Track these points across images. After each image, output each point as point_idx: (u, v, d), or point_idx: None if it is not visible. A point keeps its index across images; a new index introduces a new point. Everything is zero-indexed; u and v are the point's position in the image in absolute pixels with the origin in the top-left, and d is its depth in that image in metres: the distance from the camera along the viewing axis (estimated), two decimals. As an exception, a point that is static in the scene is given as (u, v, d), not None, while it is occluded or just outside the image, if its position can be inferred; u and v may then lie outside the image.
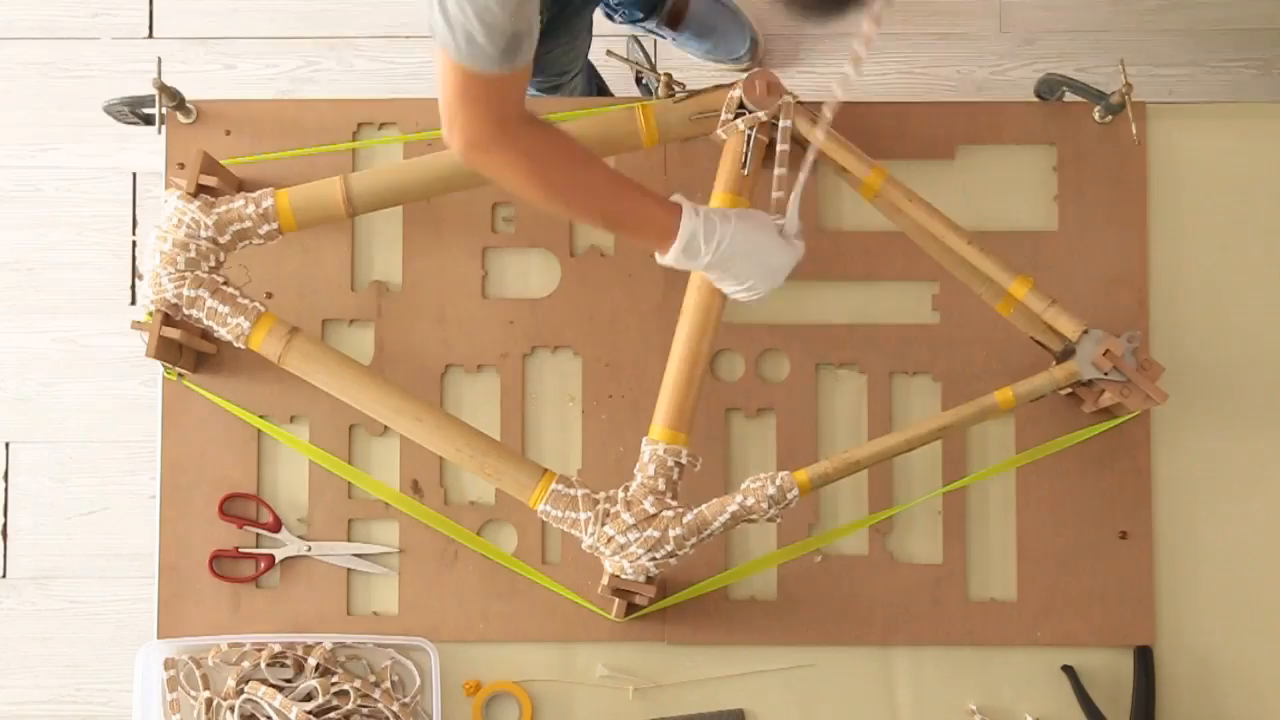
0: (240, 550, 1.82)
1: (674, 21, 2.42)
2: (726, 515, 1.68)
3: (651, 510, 1.68)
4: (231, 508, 1.83)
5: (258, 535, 1.82)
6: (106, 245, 2.37)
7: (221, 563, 1.83)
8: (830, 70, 2.42)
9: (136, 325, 1.73)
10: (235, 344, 1.72)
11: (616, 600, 1.74)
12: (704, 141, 1.80)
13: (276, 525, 1.81)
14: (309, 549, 1.81)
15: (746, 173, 1.74)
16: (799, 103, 1.74)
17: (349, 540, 1.85)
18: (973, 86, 2.40)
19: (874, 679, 1.84)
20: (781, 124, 1.73)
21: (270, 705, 1.76)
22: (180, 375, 1.82)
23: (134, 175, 2.37)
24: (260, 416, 1.84)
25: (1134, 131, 1.83)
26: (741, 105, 1.74)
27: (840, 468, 1.71)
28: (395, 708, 1.78)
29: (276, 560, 1.82)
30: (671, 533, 1.67)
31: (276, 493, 1.86)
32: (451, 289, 1.88)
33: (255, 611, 1.84)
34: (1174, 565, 1.84)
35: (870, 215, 1.82)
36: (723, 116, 1.75)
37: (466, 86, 1.45)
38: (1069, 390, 1.78)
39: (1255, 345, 1.87)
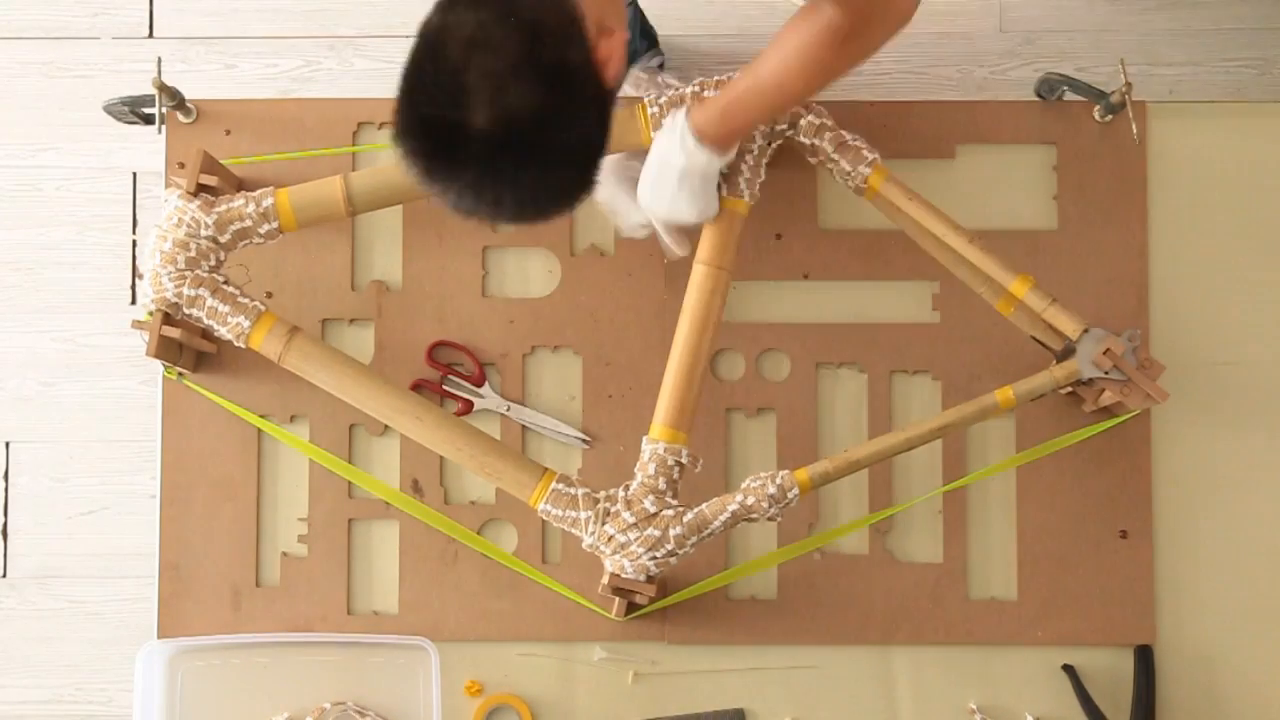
0: (445, 389, 1.84)
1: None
2: (727, 514, 1.68)
3: (652, 509, 1.68)
4: (440, 355, 1.85)
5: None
6: (106, 245, 2.37)
7: (423, 391, 1.85)
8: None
9: (137, 324, 1.73)
10: (236, 343, 1.72)
11: (617, 599, 1.74)
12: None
13: (480, 379, 1.83)
14: (507, 409, 1.82)
15: (748, 176, 1.74)
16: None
17: (350, 539, 1.85)
18: (973, 86, 2.40)
19: (874, 678, 1.84)
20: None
21: None
22: (180, 375, 1.82)
23: (134, 175, 2.37)
24: (260, 416, 1.84)
25: (1134, 131, 1.83)
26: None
27: (840, 467, 1.71)
28: None
29: (475, 409, 1.84)
30: (672, 531, 1.67)
31: (277, 492, 1.86)
32: (451, 289, 1.88)
33: (256, 610, 1.84)
34: (1174, 565, 1.84)
35: (870, 215, 1.82)
36: None
37: None
38: (1069, 389, 1.78)
39: (1255, 345, 1.87)
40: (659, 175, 1.68)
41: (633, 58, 2.25)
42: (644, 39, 2.28)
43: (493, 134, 1.24)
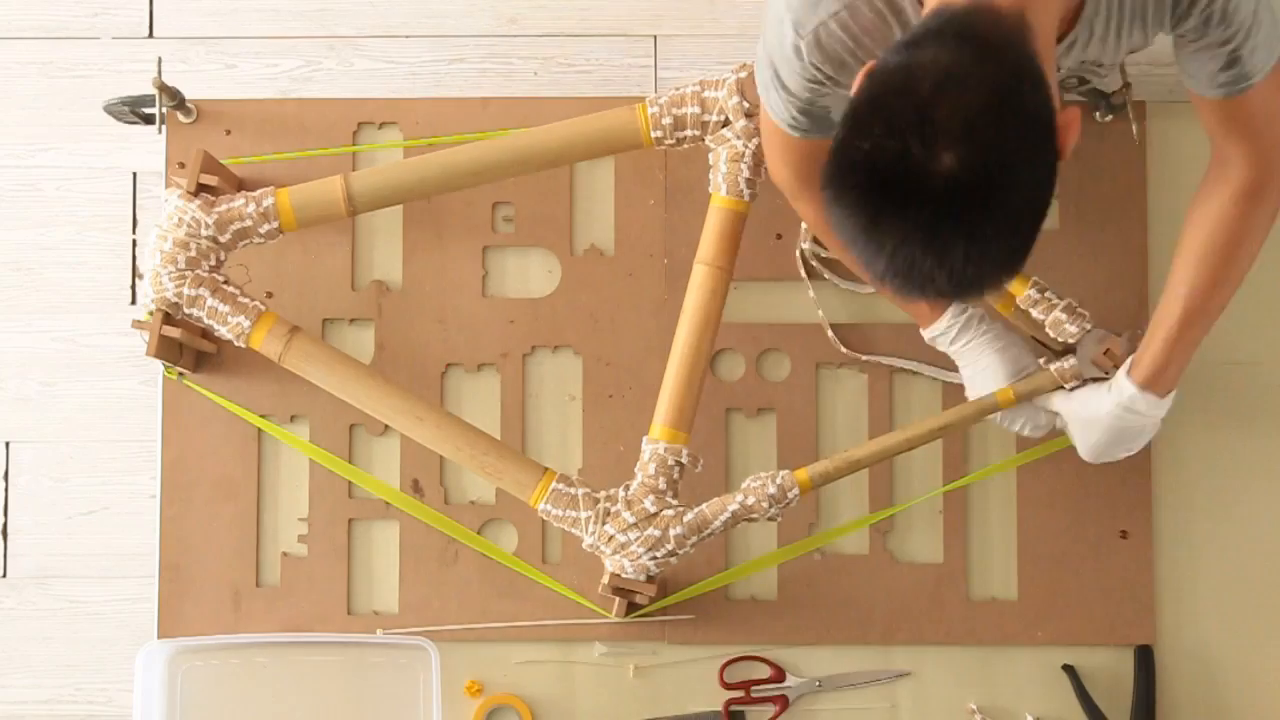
0: (752, 694, 1.82)
1: None
2: (727, 514, 1.68)
3: (652, 509, 1.68)
4: (732, 674, 1.83)
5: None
6: (106, 245, 2.36)
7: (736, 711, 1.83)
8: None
9: (137, 324, 1.73)
10: (236, 343, 1.72)
11: (617, 599, 1.74)
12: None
13: (780, 675, 1.82)
14: (818, 684, 1.82)
15: (748, 176, 1.73)
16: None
17: (350, 539, 1.85)
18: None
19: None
20: None
21: None
22: (180, 374, 1.82)
23: (134, 175, 2.37)
24: (261, 416, 1.84)
25: (1134, 132, 1.83)
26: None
27: (841, 467, 1.71)
28: None
29: (790, 700, 1.82)
30: (672, 531, 1.67)
31: (277, 492, 1.86)
32: (452, 288, 1.88)
33: (256, 611, 1.84)
34: (1174, 565, 1.84)
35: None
36: (712, 119, 1.73)
37: (770, 133, 1.59)
38: (1070, 389, 1.77)
39: (1256, 345, 1.87)
40: (1116, 439, 1.69)
41: None
42: None
43: (957, 177, 1.13)
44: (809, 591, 1.84)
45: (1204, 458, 1.86)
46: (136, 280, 2.32)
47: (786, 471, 1.69)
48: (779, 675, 1.82)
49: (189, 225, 1.70)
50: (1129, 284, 1.86)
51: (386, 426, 1.83)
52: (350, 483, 1.85)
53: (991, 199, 1.15)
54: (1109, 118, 1.87)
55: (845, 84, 1.41)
